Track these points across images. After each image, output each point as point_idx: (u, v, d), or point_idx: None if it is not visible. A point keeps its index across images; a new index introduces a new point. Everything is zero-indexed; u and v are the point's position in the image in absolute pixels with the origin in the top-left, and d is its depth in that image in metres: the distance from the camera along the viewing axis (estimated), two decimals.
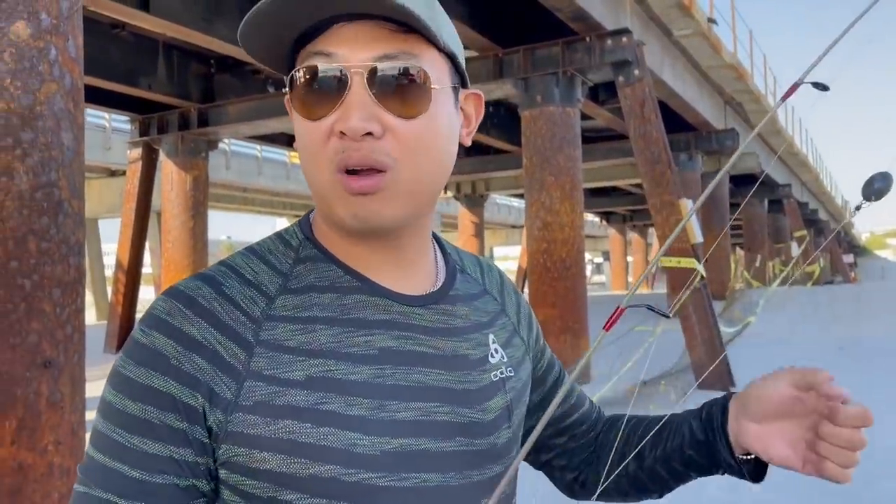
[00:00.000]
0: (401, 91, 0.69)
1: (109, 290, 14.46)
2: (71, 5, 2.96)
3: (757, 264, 19.90)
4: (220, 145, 12.95)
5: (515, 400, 0.84)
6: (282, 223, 35.90)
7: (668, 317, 0.71)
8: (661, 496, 0.97)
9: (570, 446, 1.02)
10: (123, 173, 19.26)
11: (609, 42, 8.23)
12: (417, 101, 0.70)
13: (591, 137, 14.18)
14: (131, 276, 12.40)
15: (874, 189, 0.66)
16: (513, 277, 29.48)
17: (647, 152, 8.15)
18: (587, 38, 8.35)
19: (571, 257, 8.25)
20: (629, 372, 7.80)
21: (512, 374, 0.85)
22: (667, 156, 8.18)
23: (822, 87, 0.71)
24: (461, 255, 0.93)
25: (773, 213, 24.25)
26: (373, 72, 0.68)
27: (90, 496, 0.68)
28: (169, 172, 11.72)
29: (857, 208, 0.69)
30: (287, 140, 14.98)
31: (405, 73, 0.69)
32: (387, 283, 0.77)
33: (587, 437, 1.03)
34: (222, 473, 0.70)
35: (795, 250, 21.86)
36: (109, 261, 21.25)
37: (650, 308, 0.68)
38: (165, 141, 11.72)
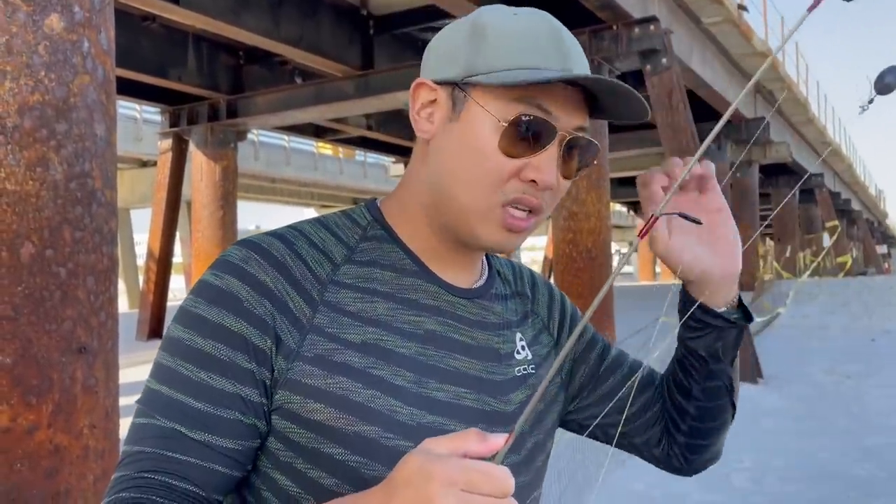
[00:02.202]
0: (578, 158, 0.81)
1: (141, 278, 14.69)
2: None
3: (787, 255, 19.60)
4: (249, 136, 13.07)
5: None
6: (309, 213, 36.09)
7: (699, 222, 0.74)
8: (729, 404, 0.98)
9: (651, 418, 1.02)
10: (154, 164, 19.50)
11: (636, 30, 8.14)
12: (576, 166, 0.82)
13: (618, 127, 14.07)
14: (162, 265, 12.59)
15: (885, 83, 0.65)
16: (538, 268, 29.38)
17: (674, 142, 8.07)
18: (614, 27, 8.28)
19: (598, 247, 8.21)
20: (654, 363, 7.76)
21: (533, 372, 0.90)
22: (695, 145, 8.09)
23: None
24: (498, 259, 0.99)
25: (805, 204, 23.84)
26: (571, 140, 0.79)
27: (151, 425, 0.71)
28: (199, 163, 11.86)
29: (870, 102, 0.69)
30: (314, 130, 15.06)
31: (589, 146, 0.81)
32: (441, 273, 0.84)
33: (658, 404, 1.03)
34: (273, 419, 0.74)
35: (826, 241, 21.49)
36: (141, 250, 21.59)
37: (682, 215, 0.74)
38: (195, 132, 11.86)
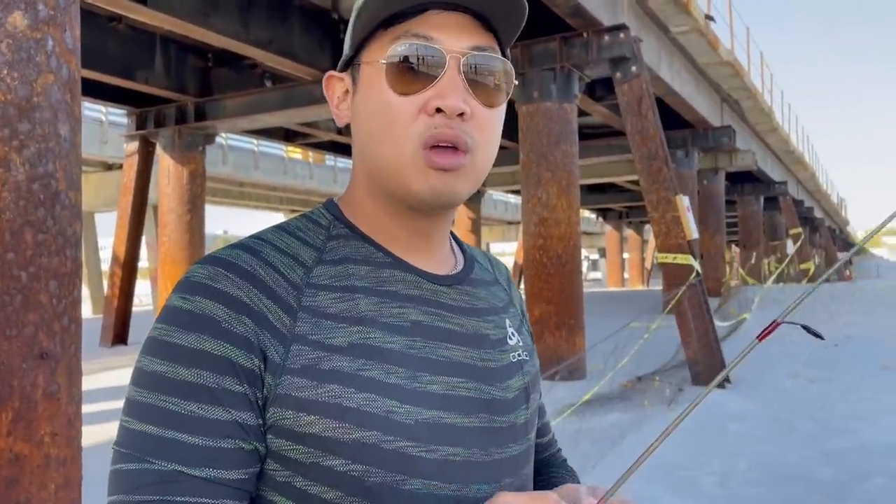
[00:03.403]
0: (489, 81, 0.76)
1: (105, 284, 14.42)
2: None
3: (752, 261, 19.94)
4: (217, 139, 12.92)
5: (532, 384, 0.87)
6: (278, 217, 35.82)
7: (821, 337, 0.71)
8: None
9: None
10: (120, 167, 19.21)
11: (606, 38, 8.23)
12: (498, 93, 0.78)
13: (588, 134, 14.19)
14: (128, 270, 12.38)
15: None
16: None
17: (644, 149, 8.16)
18: (584, 34, 8.35)
19: (568, 253, 8.26)
20: (624, 368, 7.83)
21: (527, 359, 0.88)
22: (664, 152, 8.19)
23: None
24: (470, 248, 0.96)
25: (769, 211, 24.28)
26: (468, 59, 0.75)
27: (147, 471, 0.65)
28: (166, 166, 11.70)
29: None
30: (284, 134, 14.95)
31: (496, 65, 0.77)
32: (414, 262, 0.81)
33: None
34: (267, 438, 0.70)
35: (790, 248, 21.89)
36: (105, 255, 21.19)
37: (805, 328, 0.69)
38: (162, 135, 11.70)
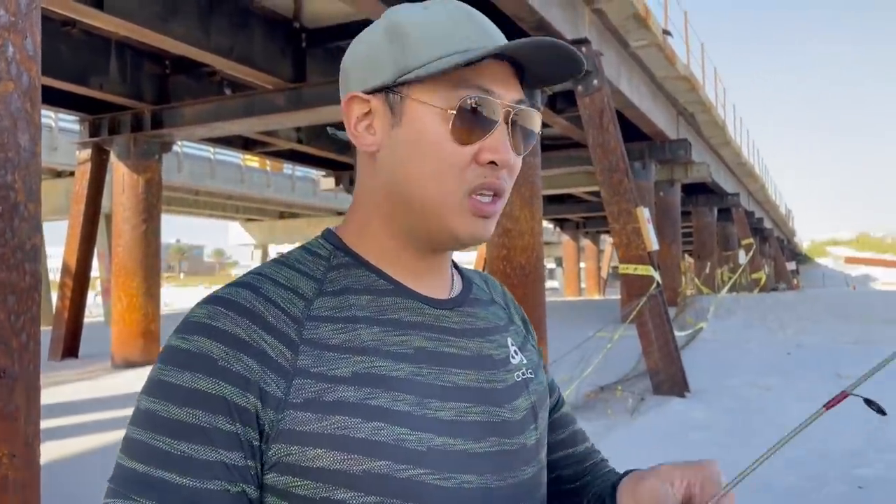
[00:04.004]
0: (521, 131, 0.80)
1: (54, 295, 13.99)
2: (30, 1, 2.86)
3: (707, 271, 20.33)
4: (173, 147, 12.66)
5: (539, 402, 0.87)
6: (234, 226, 35.33)
7: (884, 413, 0.72)
8: None
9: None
10: (70, 174, 18.72)
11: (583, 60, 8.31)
12: (529, 141, 0.82)
13: (548, 145, 14.32)
14: (79, 280, 12.03)
15: None
16: None
17: (605, 161, 8.26)
18: None
19: (531, 264, 8.29)
20: (589, 377, 7.89)
21: (533, 377, 0.88)
22: (624, 164, 8.30)
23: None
24: (466, 269, 0.96)
25: (722, 222, 24.82)
26: (515, 112, 0.78)
27: None
28: (120, 175, 11.41)
29: None
30: (243, 143, 14.74)
31: (535, 116, 0.81)
32: (417, 288, 0.82)
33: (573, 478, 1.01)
34: (270, 478, 0.69)
35: (742, 258, 22.40)
36: (53, 264, 20.60)
37: (868, 402, 0.72)
38: (117, 142, 11.41)
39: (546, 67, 0.79)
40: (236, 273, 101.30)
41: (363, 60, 0.80)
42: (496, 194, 0.78)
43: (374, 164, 0.80)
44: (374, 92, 0.78)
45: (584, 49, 8.29)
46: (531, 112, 0.80)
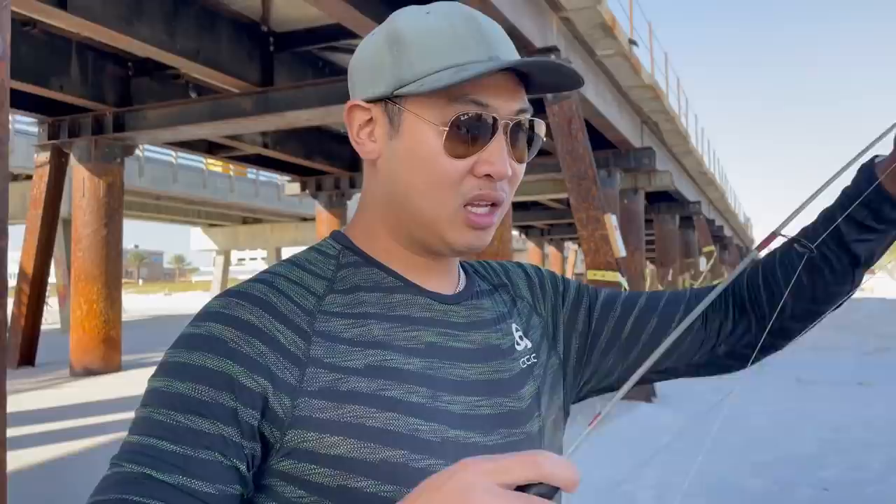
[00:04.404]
0: (522, 139, 0.80)
1: (10, 301, 13.60)
2: None
3: (669, 278, 20.63)
4: (135, 151, 12.42)
5: (541, 387, 0.88)
6: (196, 232, 34.81)
7: (812, 251, 0.73)
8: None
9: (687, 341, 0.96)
10: (26, 178, 18.26)
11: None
12: (528, 149, 0.82)
13: None
14: (36, 286, 11.73)
15: None
16: None
17: (574, 168, 8.33)
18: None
19: None
20: None
21: (535, 361, 0.89)
22: (593, 172, 8.39)
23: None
24: (470, 262, 0.98)
25: (684, 230, 25.22)
26: (515, 124, 0.78)
27: (116, 474, 0.64)
28: (80, 178, 11.15)
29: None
30: (207, 147, 14.54)
31: (535, 126, 0.81)
32: (425, 285, 0.84)
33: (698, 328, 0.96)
34: (287, 465, 0.69)
35: (703, 265, 22.78)
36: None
37: (796, 240, 0.72)
38: (77, 145, 11.16)
39: (548, 77, 0.80)
40: (197, 280, 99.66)
41: (365, 67, 0.80)
42: (494, 204, 0.78)
43: (375, 170, 0.82)
44: (374, 101, 0.79)
45: (552, 57, 8.35)
46: (531, 121, 0.80)
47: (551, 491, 0.48)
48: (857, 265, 0.87)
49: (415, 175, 0.77)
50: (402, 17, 0.79)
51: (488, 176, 0.76)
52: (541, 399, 0.86)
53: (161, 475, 0.63)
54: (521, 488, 0.48)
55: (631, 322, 0.96)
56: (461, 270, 0.92)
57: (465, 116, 0.74)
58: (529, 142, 0.81)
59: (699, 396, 8.26)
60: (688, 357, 0.96)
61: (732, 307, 0.96)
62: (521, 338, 0.89)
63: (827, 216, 0.88)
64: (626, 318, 0.96)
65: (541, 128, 0.82)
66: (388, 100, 0.78)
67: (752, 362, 0.96)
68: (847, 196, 0.87)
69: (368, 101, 0.80)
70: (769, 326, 0.91)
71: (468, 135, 0.75)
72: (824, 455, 5.76)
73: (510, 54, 0.78)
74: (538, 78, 0.79)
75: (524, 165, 0.82)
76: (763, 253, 0.69)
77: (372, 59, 0.79)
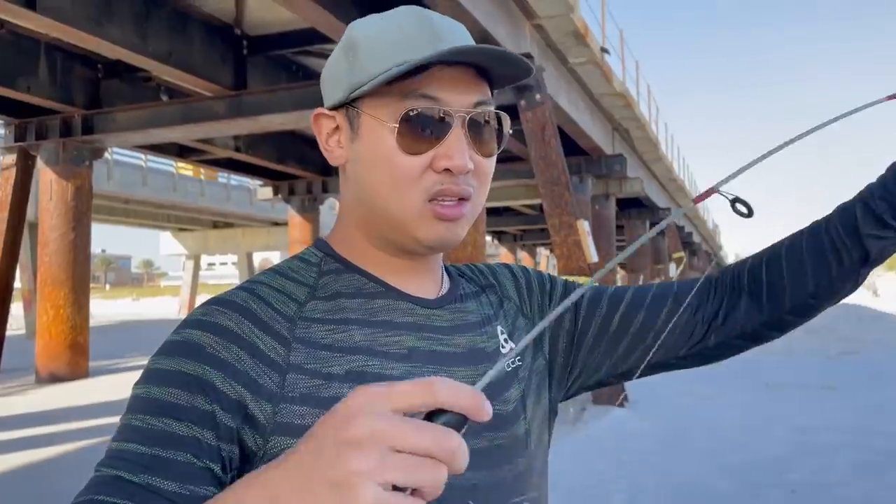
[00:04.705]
0: (486, 133, 0.80)
1: None
2: None
3: (639, 284, 20.81)
4: (104, 154, 12.24)
5: (527, 389, 0.88)
6: (166, 237, 34.37)
7: (751, 213, 0.70)
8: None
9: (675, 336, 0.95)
10: None
11: (532, 64, 8.44)
12: (494, 142, 0.81)
13: None
14: (2, 292, 11.47)
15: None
16: None
17: (547, 174, 8.40)
18: None
19: None
20: None
21: (521, 363, 0.89)
22: (566, 178, 8.46)
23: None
24: (456, 265, 0.98)
25: (654, 236, 25.47)
26: (472, 116, 0.77)
27: (96, 477, 0.64)
28: (48, 181, 10.96)
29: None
30: (178, 150, 14.39)
31: (492, 119, 0.80)
32: (406, 289, 0.83)
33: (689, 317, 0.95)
34: None
35: (673, 271, 23.06)
36: None
37: (736, 200, 0.68)
38: (45, 148, 10.97)
39: (501, 68, 0.79)
40: (165, 284, 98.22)
41: (328, 76, 0.83)
42: (462, 198, 0.78)
43: (346, 177, 0.84)
44: (336, 108, 0.81)
45: None
46: (491, 113, 0.80)
47: (459, 420, 0.46)
48: (866, 262, 0.86)
49: (376, 176, 0.78)
50: (357, 25, 0.81)
51: (448, 170, 0.76)
52: (526, 402, 0.87)
53: (131, 476, 0.63)
54: (430, 418, 0.45)
55: (618, 318, 0.95)
56: (446, 273, 0.92)
57: (414, 111, 0.75)
58: (500, 137, 0.81)
59: (670, 401, 8.37)
60: (677, 348, 0.95)
61: (729, 296, 0.95)
62: (506, 340, 0.89)
63: (844, 206, 0.88)
64: (612, 315, 0.96)
65: (505, 121, 0.82)
66: (347, 105, 0.80)
67: (739, 352, 0.96)
68: (869, 188, 0.86)
69: (332, 109, 0.82)
70: (765, 318, 0.92)
71: (423, 130, 0.75)
72: (791, 457, 5.87)
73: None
74: (496, 70, 0.79)
75: (492, 160, 0.81)
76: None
77: (333, 68, 0.82)
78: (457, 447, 0.44)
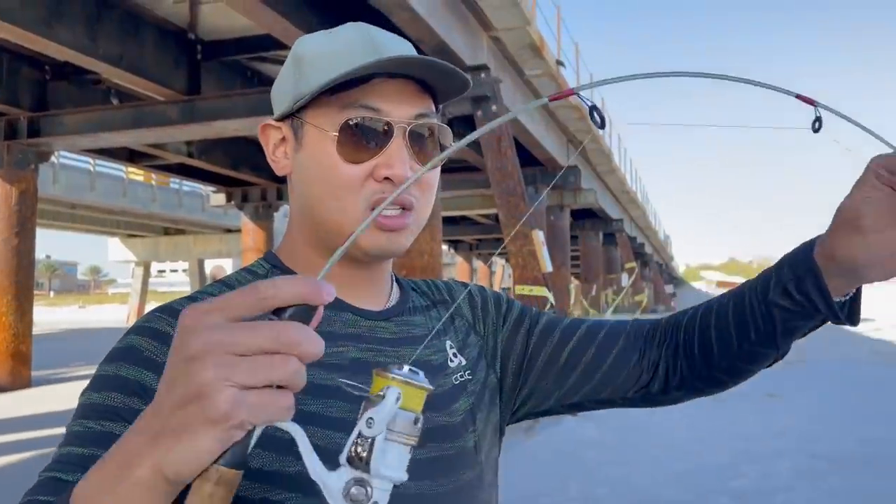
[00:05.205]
0: (429, 145, 0.81)
1: None
2: None
3: (593, 293, 21.13)
4: (50, 157, 11.93)
5: (477, 403, 0.88)
6: (114, 242, 33.54)
7: (603, 124, 0.64)
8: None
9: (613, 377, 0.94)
10: None
11: (468, 77, 8.50)
12: (437, 154, 0.82)
13: (443, 168, 14.48)
14: None
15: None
16: None
17: (503, 184, 8.47)
18: None
19: None
20: None
21: (470, 378, 0.90)
22: (521, 188, 8.55)
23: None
24: (413, 280, 0.99)
25: (607, 246, 25.89)
26: (413, 128, 0.79)
27: (36, 482, 0.64)
28: None
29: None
30: (128, 155, 14.09)
31: (436, 130, 0.81)
32: (352, 301, 0.84)
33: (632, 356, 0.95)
34: None
35: (625, 281, 23.44)
36: None
37: (594, 108, 0.64)
38: None
39: (443, 82, 0.81)
40: (113, 292, 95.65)
41: (276, 88, 0.85)
42: (405, 207, 0.79)
43: (292, 187, 0.85)
44: (282, 119, 0.83)
45: (483, 75, 8.51)
46: (433, 125, 0.81)
47: (304, 312, 0.45)
48: (776, 333, 0.84)
49: (318, 185, 0.79)
50: (303, 40, 0.84)
51: (389, 179, 0.77)
52: (476, 415, 0.87)
53: (67, 476, 0.63)
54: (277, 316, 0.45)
55: (568, 350, 0.95)
56: (397, 286, 0.92)
57: (354, 120, 0.77)
58: (442, 150, 0.82)
59: (621, 410, 8.47)
60: (624, 390, 0.95)
61: (667, 347, 0.94)
62: (454, 355, 0.89)
63: (765, 273, 0.86)
64: (563, 346, 0.95)
65: (444, 133, 0.83)
66: (293, 116, 0.81)
67: (684, 401, 0.96)
68: (784, 256, 0.84)
69: (278, 120, 0.84)
70: (698, 373, 0.92)
71: (363, 140, 0.77)
72: (737, 465, 6.00)
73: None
74: (438, 85, 0.81)
75: (436, 172, 0.83)
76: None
77: (281, 80, 0.84)
78: (299, 337, 0.44)
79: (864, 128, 0.75)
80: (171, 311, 0.75)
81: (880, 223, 0.71)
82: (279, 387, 0.45)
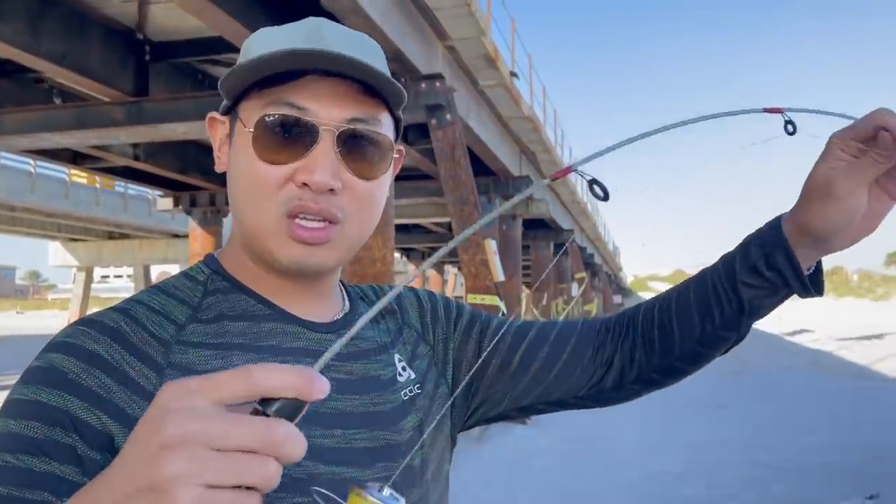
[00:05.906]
0: (365, 154, 0.74)
1: None
2: None
3: (543, 303, 21.29)
4: None
5: (425, 418, 0.85)
6: (56, 247, 32.49)
7: (607, 196, 0.65)
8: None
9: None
10: None
11: (423, 85, 8.48)
12: (377, 165, 0.75)
13: (397, 176, 14.46)
14: None
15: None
16: None
17: (456, 193, 8.46)
18: (402, 79, 8.55)
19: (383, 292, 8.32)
20: None
21: (419, 392, 0.86)
22: (474, 197, 8.56)
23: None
24: (360, 287, 0.95)
25: (557, 255, 26.13)
26: (343, 133, 0.72)
27: None
28: None
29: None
30: (71, 156, 13.66)
31: (373, 139, 0.74)
32: (297, 312, 0.78)
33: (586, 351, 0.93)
34: None
35: (575, 290, 23.69)
36: None
37: (594, 182, 0.63)
38: None
39: (383, 86, 0.74)
40: (53, 297, 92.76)
41: (222, 80, 0.79)
42: (330, 221, 0.72)
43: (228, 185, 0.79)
44: (226, 113, 0.79)
45: (437, 84, 8.50)
46: (369, 132, 0.74)
47: (293, 405, 0.42)
48: (743, 312, 0.84)
49: (237, 184, 0.75)
50: (257, 33, 0.79)
51: (306, 185, 0.71)
52: (424, 430, 0.84)
53: None
54: (264, 412, 0.41)
55: (521, 353, 0.93)
56: (346, 296, 0.88)
57: (270, 117, 0.71)
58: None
59: (571, 420, 8.54)
60: (577, 389, 0.93)
61: (623, 340, 0.93)
62: (403, 368, 0.85)
63: (728, 253, 0.86)
64: (515, 349, 0.93)
65: (381, 140, 0.75)
66: (230, 110, 0.77)
67: (637, 397, 0.95)
68: (749, 237, 0.85)
69: (222, 115, 0.79)
70: (656, 363, 0.91)
71: (284, 139, 0.71)
72: (685, 473, 6.09)
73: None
74: (385, 89, 0.74)
75: (375, 184, 0.75)
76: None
77: (229, 72, 0.78)
78: (283, 437, 0.40)
79: (830, 113, 0.79)
80: (99, 325, 0.68)
81: (850, 186, 0.73)
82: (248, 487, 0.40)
